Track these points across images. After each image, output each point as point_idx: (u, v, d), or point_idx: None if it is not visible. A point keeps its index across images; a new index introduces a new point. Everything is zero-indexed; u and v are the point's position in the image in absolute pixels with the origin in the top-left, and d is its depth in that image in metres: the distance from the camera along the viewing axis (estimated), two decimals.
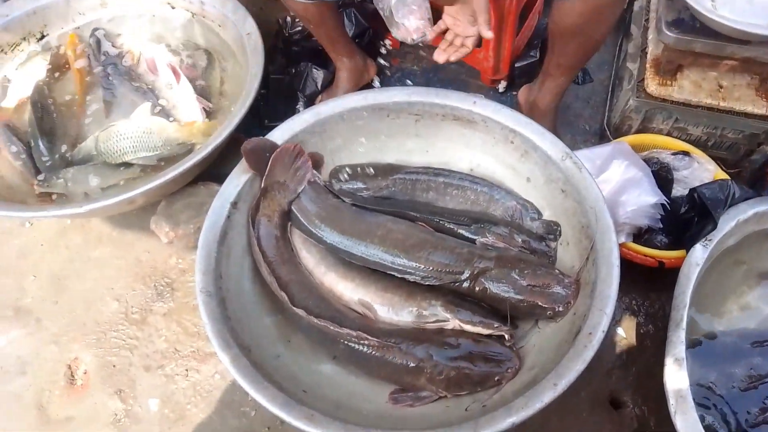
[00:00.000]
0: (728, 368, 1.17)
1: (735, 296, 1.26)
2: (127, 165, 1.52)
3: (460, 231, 1.27)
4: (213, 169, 1.52)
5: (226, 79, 1.71)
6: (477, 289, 1.15)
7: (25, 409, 1.34)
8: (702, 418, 1.08)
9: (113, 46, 1.74)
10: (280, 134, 1.30)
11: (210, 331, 1.05)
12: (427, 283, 1.17)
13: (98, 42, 1.74)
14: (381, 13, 1.50)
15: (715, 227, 1.18)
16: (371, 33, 1.86)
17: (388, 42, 1.96)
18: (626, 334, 1.37)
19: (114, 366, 1.37)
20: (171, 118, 1.59)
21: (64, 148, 1.57)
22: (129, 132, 1.49)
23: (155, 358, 1.38)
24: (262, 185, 1.25)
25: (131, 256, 1.55)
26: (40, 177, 1.48)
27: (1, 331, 1.46)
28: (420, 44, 1.63)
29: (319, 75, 1.77)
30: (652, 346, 1.35)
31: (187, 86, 1.60)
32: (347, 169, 1.37)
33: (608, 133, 1.63)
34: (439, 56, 1.37)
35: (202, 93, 1.66)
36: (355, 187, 1.35)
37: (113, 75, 1.66)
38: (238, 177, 1.26)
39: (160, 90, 1.64)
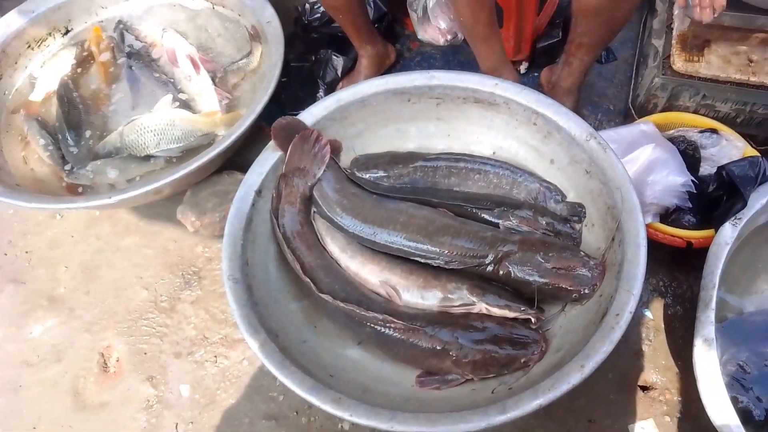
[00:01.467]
0: (760, 347, 1.15)
1: (766, 275, 1.23)
2: (150, 157, 1.54)
3: (483, 215, 1.27)
4: (237, 158, 1.54)
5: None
6: (501, 272, 1.15)
7: (62, 395, 1.38)
8: (734, 399, 1.07)
9: (137, 39, 1.76)
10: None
11: (238, 316, 1.07)
12: (450, 268, 1.16)
13: (122, 35, 1.76)
14: (413, 14, 1.48)
15: (744, 205, 1.16)
16: (390, 17, 1.85)
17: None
18: (654, 315, 1.36)
19: (145, 353, 1.41)
20: (190, 110, 1.61)
21: (90, 140, 1.60)
22: (152, 125, 1.52)
23: (185, 345, 1.41)
24: (283, 172, 1.26)
25: (159, 245, 1.58)
26: (67, 167, 1.51)
27: (36, 320, 1.50)
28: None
29: (339, 62, 1.77)
30: (680, 328, 1.33)
31: (206, 78, 1.61)
32: (368, 157, 1.38)
33: (633, 112, 1.60)
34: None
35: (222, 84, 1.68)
36: (377, 175, 1.35)
37: (136, 67, 1.68)
38: (262, 165, 1.27)
39: (179, 81, 1.66)
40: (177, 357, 1.39)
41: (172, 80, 1.67)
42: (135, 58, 1.71)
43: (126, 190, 1.34)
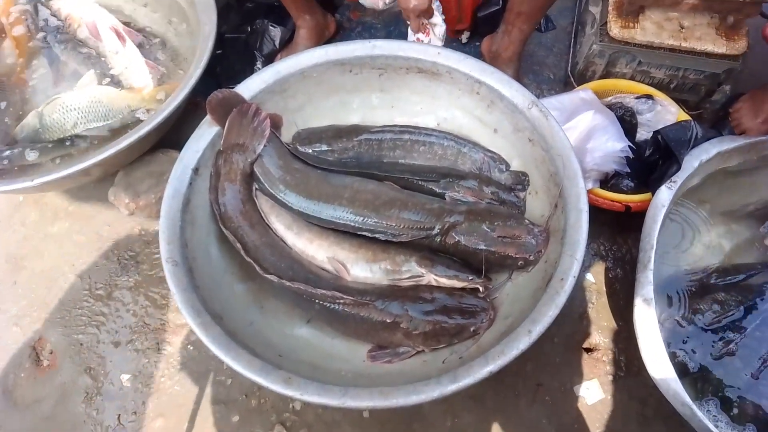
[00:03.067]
0: (695, 305, 1.21)
1: (699, 235, 1.29)
2: (75, 139, 1.44)
3: (429, 187, 1.26)
4: (172, 136, 1.47)
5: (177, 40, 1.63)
6: (449, 243, 1.15)
7: None
8: (672, 355, 1.12)
9: (51, 13, 1.63)
10: None
11: (179, 301, 1.02)
12: (398, 241, 1.15)
13: (36, 8, 1.63)
14: None
15: (679, 168, 1.20)
16: None
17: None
18: (595, 279, 1.40)
19: (81, 344, 1.33)
20: (120, 85, 1.51)
21: (6, 118, 1.47)
22: (75, 103, 1.41)
23: (124, 333, 1.34)
24: (221, 148, 1.20)
25: (91, 230, 1.49)
26: None
27: None
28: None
29: (276, 33, 1.70)
30: (621, 289, 1.38)
31: (134, 50, 1.52)
32: (310, 131, 1.34)
33: (572, 80, 1.62)
34: None
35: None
36: (320, 149, 1.32)
37: (56, 41, 1.56)
38: (198, 141, 1.21)
39: (106, 56, 1.55)
40: (116, 346, 1.33)
41: (98, 55, 1.56)
42: (52, 35, 1.58)
43: (50, 172, 1.25)
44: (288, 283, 1.09)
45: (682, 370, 1.14)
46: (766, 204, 1.30)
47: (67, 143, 1.43)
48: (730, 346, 1.15)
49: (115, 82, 1.52)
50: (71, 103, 1.41)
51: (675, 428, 1.21)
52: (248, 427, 1.23)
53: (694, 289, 1.23)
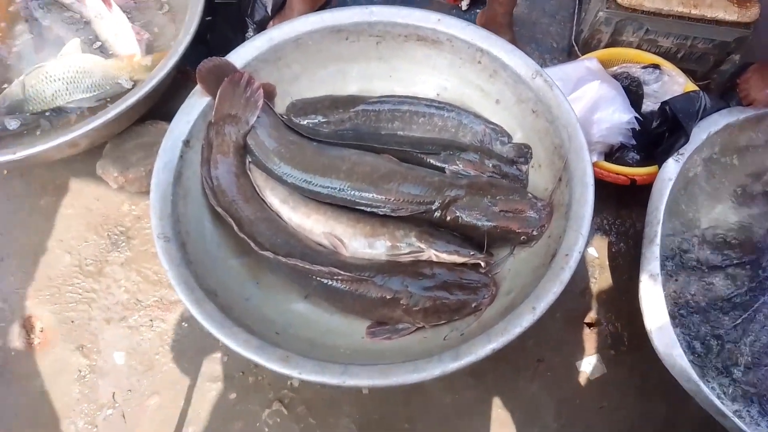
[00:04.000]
0: (704, 278, 1.18)
1: (707, 210, 1.26)
2: (60, 110, 1.38)
3: (429, 160, 1.23)
4: (161, 107, 1.41)
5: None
6: (449, 218, 1.12)
7: None
8: (679, 334, 1.10)
9: None
10: None
11: (172, 277, 0.99)
12: (397, 215, 1.12)
13: None
14: None
15: (687, 140, 1.16)
16: None
17: None
18: (598, 253, 1.37)
19: (72, 321, 1.30)
20: (107, 53, 1.44)
21: None
22: (59, 73, 1.35)
23: (116, 310, 1.31)
24: (212, 120, 1.15)
25: (80, 204, 1.44)
26: None
27: None
28: None
29: None
30: (624, 264, 1.36)
31: (120, 15, 1.44)
32: (305, 102, 1.29)
33: (576, 49, 1.57)
34: None
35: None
36: (316, 121, 1.28)
37: (35, 6, 1.49)
38: (189, 112, 1.16)
39: (90, 21, 1.48)
40: (108, 323, 1.30)
41: (83, 20, 1.49)
42: None
43: (34, 144, 1.20)
44: (284, 259, 1.05)
45: (687, 345, 1.12)
46: None
47: (51, 114, 1.37)
48: (738, 322, 1.13)
49: (102, 50, 1.45)
50: (55, 72, 1.35)
51: (676, 403, 1.21)
52: (245, 404, 1.22)
53: (700, 264, 1.21)
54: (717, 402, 0.99)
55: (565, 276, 0.97)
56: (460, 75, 1.28)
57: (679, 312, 1.14)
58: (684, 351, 1.01)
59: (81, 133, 1.20)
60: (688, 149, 1.17)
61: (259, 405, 1.21)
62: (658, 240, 1.10)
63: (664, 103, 1.22)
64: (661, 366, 1.04)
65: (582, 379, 1.24)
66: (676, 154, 1.17)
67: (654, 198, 1.15)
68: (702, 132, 1.19)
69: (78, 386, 1.24)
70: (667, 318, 1.04)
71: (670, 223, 1.18)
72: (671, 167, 1.17)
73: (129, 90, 1.38)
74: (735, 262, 1.18)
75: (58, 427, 1.21)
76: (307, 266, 1.05)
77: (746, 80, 1.36)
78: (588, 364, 1.26)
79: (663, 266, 1.07)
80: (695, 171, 1.22)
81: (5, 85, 1.40)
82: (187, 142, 1.14)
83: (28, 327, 1.30)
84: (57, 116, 1.37)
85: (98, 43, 1.46)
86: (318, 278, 1.07)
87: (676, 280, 1.17)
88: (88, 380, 1.24)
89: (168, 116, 1.16)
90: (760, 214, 1.23)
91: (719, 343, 1.13)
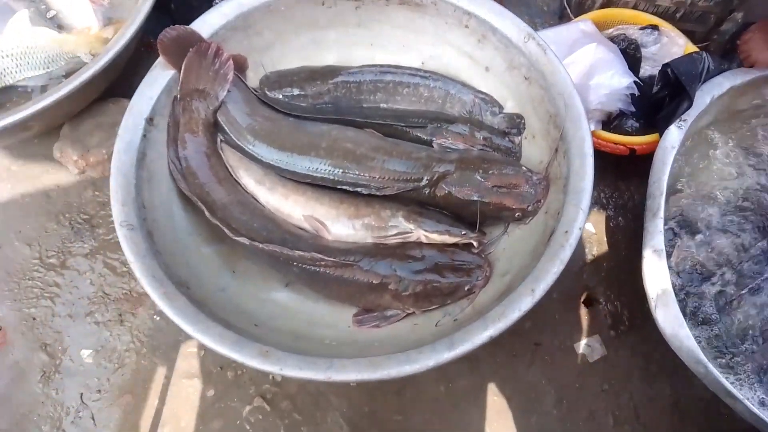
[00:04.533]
0: (714, 245, 1.11)
1: (712, 178, 1.19)
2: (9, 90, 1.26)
3: (416, 133, 1.15)
4: (123, 83, 1.31)
5: None
6: (439, 195, 1.05)
7: None
8: (682, 304, 1.04)
9: None
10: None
11: (137, 269, 0.90)
12: (383, 194, 1.04)
13: None
14: None
15: (691, 104, 1.09)
16: None
17: None
18: (596, 229, 1.31)
19: (34, 318, 1.20)
20: (60, 27, 1.32)
21: None
22: (8, 49, 1.23)
23: (82, 304, 1.21)
24: (178, 95, 1.05)
25: (38, 191, 1.33)
26: None
27: None
28: None
29: None
30: (623, 239, 1.29)
31: None
32: (280, 75, 1.19)
33: (569, 11, 1.48)
34: None
35: None
36: (292, 95, 1.19)
37: None
38: (151, 86, 1.06)
39: None
40: (74, 319, 1.20)
41: None
42: None
43: None
44: (262, 246, 0.97)
45: (692, 319, 1.06)
46: None
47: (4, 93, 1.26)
48: (744, 292, 1.07)
49: (55, 21, 1.33)
50: (3, 48, 1.23)
51: (681, 384, 1.16)
52: (225, 401, 1.14)
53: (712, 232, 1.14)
54: (727, 384, 0.93)
55: (566, 254, 0.90)
56: (446, 40, 1.20)
57: (680, 276, 1.07)
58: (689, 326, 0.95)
59: (32, 112, 1.09)
60: (691, 114, 1.10)
61: (239, 401, 1.13)
62: (661, 213, 1.03)
63: (665, 66, 1.14)
64: (664, 345, 0.98)
65: (582, 363, 1.18)
66: (678, 120, 1.09)
67: (656, 168, 1.08)
68: (705, 95, 1.11)
69: (42, 388, 1.15)
70: (672, 297, 0.98)
71: (673, 187, 1.11)
72: (674, 134, 1.09)
73: (85, 64, 1.26)
74: (745, 227, 1.11)
75: None
76: (287, 252, 0.97)
77: (747, 41, 1.29)
78: (587, 347, 1.19)
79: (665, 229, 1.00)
80: (697, 136, 1.15)
81: None
82: (150, 120, 1.04)
83: None
84: (7, 96, 1.26)
85: (52, 12, 1.34)
86: (299, 265, 0.99)
87: (679, 244, 1.10)
88: (53, 381, 1.15)
89: (130, 93, 1.06)
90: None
91: (726, 316, 1.07)
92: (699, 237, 1.11)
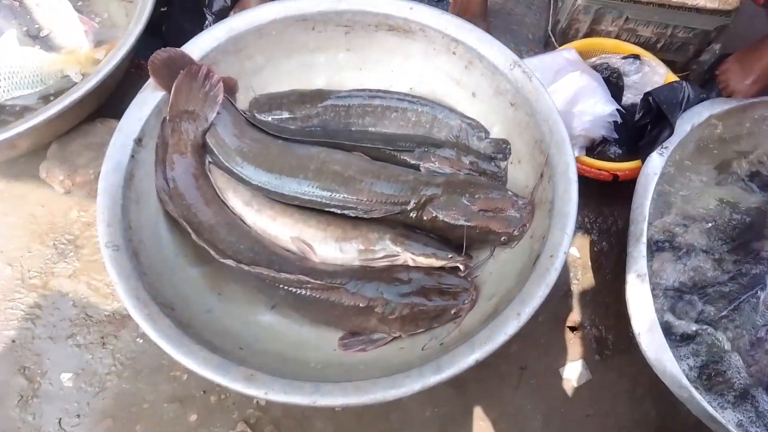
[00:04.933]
0: (691, 263, 1.13)
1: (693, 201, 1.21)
2: None
3: (403, 157, 1.16)
4: (112, 103, 1.31)
5: None
6: (425, 218, 1.06)
7: None
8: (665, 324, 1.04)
9: None
10: None
11: (121, 290, 0.89)
12: (370, 217, 1.05)
13: None
14: None
15: (672, 132, 1.12)
16: None
17: None
18: (580, 253, 1.32)
19: (13, 341, 1.18)
20: (50, 46, 1.32)
21: None
22: None
23: (63, 326, 1.19)
24: (168, 117, 1.06)
25: (23, 211, 1.32)
26: None
27: None
28: None
29: None
30: (607, 264, 1.30)
31: (65, 3, 1.32)
32: (269, 97, 1.21)
33: (553, 40, 1.51)
34: None
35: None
36: (281, 117, 1.20)
37: None
38: (141, 108, 1.06)
39: (29, 9, 1.36)
40: (54, 342, 1.18)
41: (23, 7, 1.36)
42: None
43: None
44: (248, 268, 0.97)
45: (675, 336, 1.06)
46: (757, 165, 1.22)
47: None
48: (723, 314, 1.08)
49: (44, 42, 1.33)
50: None
51: (667, 407, 1.16)
52: (208, 426, 1.12)
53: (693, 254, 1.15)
54: (710, 409, 0.94)
55: (551, 278, 0.91)
56: (434, 66, 1.22)
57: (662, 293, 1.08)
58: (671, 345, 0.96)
59: (20, 131, 1.08)
60: (672, 141, 1.13)
61: (222, 427, 1.11)
62: (644, 238, 1.05)
63: (647, 94, 1.17)
64: (649, 369, 0.99)
65: (567, 386, 1.18)
66: (660, 147, 1.12)
67: (638, 194, 1.10)
68: (686, 123, 1.14)
69: (19, 413, 1.12)
70: (656, 321, 0.99)
71: (654, 210, 1.13)
72: (656, 161, 1.12)
73: (75, 84, 1.26)
74: (723, 247, 1.13)
75: None
76: (273, 274, 0.96)
77: (724, 71, 1.33)
78: (573, 370, 1.20)
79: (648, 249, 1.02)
80: (678, 163, 1.17)
81: None
82: (139, 141, 1.04)
83: None
84: None
85: (45, 32, 1.34)
86: (285, 287, 0.98)
87: (661, 263, 1.11)
88: (31, 405, 1.12)
89: (119, 114, 1.06)
90: (744, 197, 1.18)
91: (710, 334, 1.08)
92: (680, 256, 1.12)
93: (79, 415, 1.12)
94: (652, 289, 1.02)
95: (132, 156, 1.02)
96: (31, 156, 1.31)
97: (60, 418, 1.11)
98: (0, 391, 1.13)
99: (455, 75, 1.20)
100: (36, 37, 1.35)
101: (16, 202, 1.33)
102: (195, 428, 1.11)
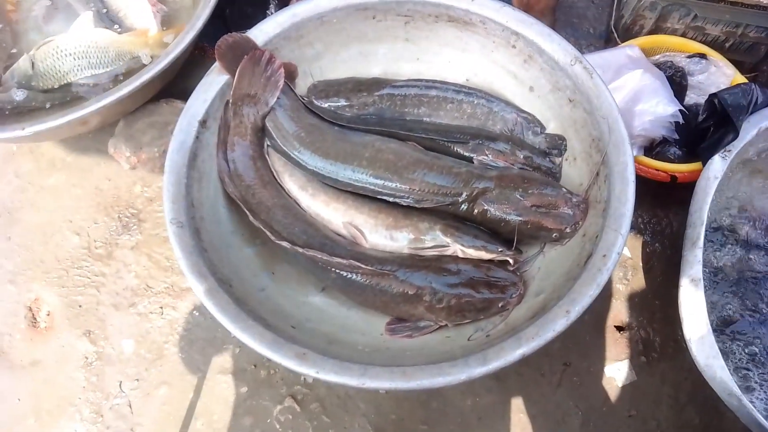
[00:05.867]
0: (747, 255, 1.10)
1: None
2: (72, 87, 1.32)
3: (457, 149, 1.16)
4: (177, 84, 1.36)
5: None
6: (476, 211, 1.06)
7: None
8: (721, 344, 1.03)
9: None
10: None
11: (184, 265, 0.94)
12: (421, 207, 1.06)
13: None
14: None
15: (736, 136, 1.09)
16: None
17: None
18: (632, 254, 1.30)
19: (80, 306, 1.26)
20: (118, 27, 1.38)
21: None
22: (71, 48, 1.29)
23: (125, 295, 1.26)
24: (230, 99, 1.09)
25: (90, 184, 1.39)
26: None
27: None
28: None
29: None
30: (658, 266, 1.28)
31: None
32: (328, 84, 1.22)
33: (616, 35, 1.48)
34: None
35: None
36: (338, 104, 1.21)
37: None
38: (206, 91, 1.10)
39: None
40: (117, 309, 1.25)
41: None
42: None
43: (44, 120, 1.14)
44: (302, 250, 1.00)
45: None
46: None
47: (62, 91, 1.31)
48: None
49: (116, 23, 1.39)
50: (66, 47, 1.28)
51: (710, 414, 1.15)
52: (257, 398, 1.17)
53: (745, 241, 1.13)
54: (761, 419, 0.92)
55: (603, 278, 0.90)
56: (492, 59, 1.21)
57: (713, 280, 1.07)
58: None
59: (92, 110, 1.14)
60: (736, 146, 1.09)
61: (270, 400, 1.16)
62: (701, 243, 1.03)
63: (712, 96, 1.14)
64: (695, 376, 0.98)
65: (610, 386, 1.18)
66: (723, 150, 1.09)
67: (697, 197, 1.08)
68: (752, 127, 1.11)
69: (84, 373, 1.20)
70: (708, 327, 0.98)
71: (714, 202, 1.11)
72: (717, 164, 1.09)
73: (144, 65, 1.32)
74: None
75: (62, 415, 1.17)
76: (326, 258, 0.99)
77: None
78: (617, 370, 1.19)
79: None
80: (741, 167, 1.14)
81: (14, 50, 1.34)
82: (203, 123, 1.08)
83: (34, 310, 1.26)
84: (68, 92, 1.31)
85: (119, 13, 1.40)
86: (336, 270, 1.01)
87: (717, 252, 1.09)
88: (94, 368, 1.20)
89: (183, 95, 1.11)
90: None
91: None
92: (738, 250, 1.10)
93: (137, 380, 1.19)
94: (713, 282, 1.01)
95: (196, 137, 1.06)
96: (98, 132, 1.37)
97: (120, 381, 1.19)
98: (66, 352, 1.21)
99: (513, 69, 1.19)
100: (109, 18, 1.40)
101: (84, 175, 1.41)
102: (245, 399, 1.16)
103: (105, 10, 1.41)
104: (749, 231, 1.14)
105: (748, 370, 1.05)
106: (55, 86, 1.30)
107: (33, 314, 1.26)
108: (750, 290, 1.11)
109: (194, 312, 1.25)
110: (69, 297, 1.26)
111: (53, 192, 1.39)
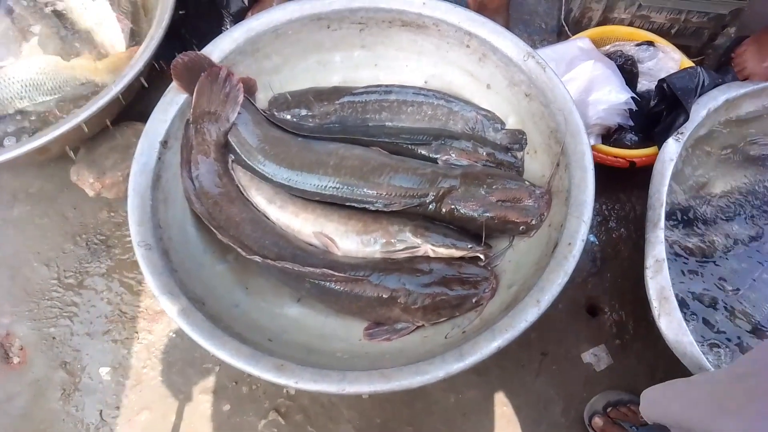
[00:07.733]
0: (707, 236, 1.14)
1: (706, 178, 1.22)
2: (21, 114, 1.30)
3: (420, 151, 1.18)
4: (136, 106, 1.35)
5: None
6: (444, 210, 1.08)
7: None
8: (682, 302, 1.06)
9: None
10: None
11: (155, 287, 0.93)
12: (390, 210, 1.07)
13: None
14: None
15: (687, 118, 1.12)
16: None
17: None
18: (598, 239, 1.33)
19: (54, 337, 1.24)
20: (81, 48, 1.36)
21: None
22: (18, 75, 1.27)
23: (99, 323, 1.25)
24: (190, 118, 1.09)
25: (55, 213, 1.37)
26: None
27: None
28: None
29: None
30: (625, 250, 1.32)
31: (104, 3, 1.36)
32: (288, 96, 1.23)
33: (567, 29, 1.52)
34: None
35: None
36: (300, 115, 1.22)
37: None
38: (165, 111, 1.10)
39: (71, 10, 1.38)
40: (92, 338, 1.23)
41: (63, 10, 1.40)
42: None
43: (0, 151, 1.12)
44: (273, 263, 1.00)
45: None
46: None
47: (14, 117, 1.30)
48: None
49: (84, 44, 1.37)
50: (14, 75, 1.27)
51: None
52: (241, 415, 1.16)
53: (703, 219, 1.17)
54: None
55: (570, 266, 0.93)
56: (448, 60, 1.23)
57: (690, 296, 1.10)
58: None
59: (51, 138, 1.13)
60: (688, 127, 1.13)
61: (254, 415, 1.16)
62: (661, 224, 1.06)
63: (661, 81, 1.17)
64: (669, 353, 1.00)
65: (588, 372, 1.20)
66: (676, 133, 1.12)
67: (655, 180, 1.11)
68: (701, 108, 1.14)
69: (62, 405, 1.18)
70: (675, 305, 1.00)
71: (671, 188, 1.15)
72: (672, 147, 1.12)
73: (97, 90, 1.30)
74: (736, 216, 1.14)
75: None
76: (298, 268, 0.99)
77: (741, 54, 1.32)
78: (593, 356, 1.22)
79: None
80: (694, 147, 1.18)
81: None
82: (164, 143, 1.08)
83: (6, 345, 1.24)
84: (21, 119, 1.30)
85: (84, 33, 1.38)
86: (310, 280, 1.01)
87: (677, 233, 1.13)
88: (73, 398, 1.18)
89: (143, 117, 1.10)
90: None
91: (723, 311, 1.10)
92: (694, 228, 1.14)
93: (118, 407, 1.17)
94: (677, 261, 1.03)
95: (158, 158, 1.06)
96: (59, 159, 1.35)
97: (101, 410, 1.17)
98: (44, 384, 1.19)
99: (470, 68, 1.21)
100: (75, 40, 1.38)
101: (49, 204, 1.39)
102: (228, 417, 1.16)
103: (70, 33, 1.39)
104: (707, 209, 1.18)
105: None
106: (5, 114, 1.28)
107: (5, 350, 1.23)
108: (712, 266, 1.15)
109: (171, 334, 1.24)
110: (41, 330, 1.24)
111: (17, 224, 1.37)
